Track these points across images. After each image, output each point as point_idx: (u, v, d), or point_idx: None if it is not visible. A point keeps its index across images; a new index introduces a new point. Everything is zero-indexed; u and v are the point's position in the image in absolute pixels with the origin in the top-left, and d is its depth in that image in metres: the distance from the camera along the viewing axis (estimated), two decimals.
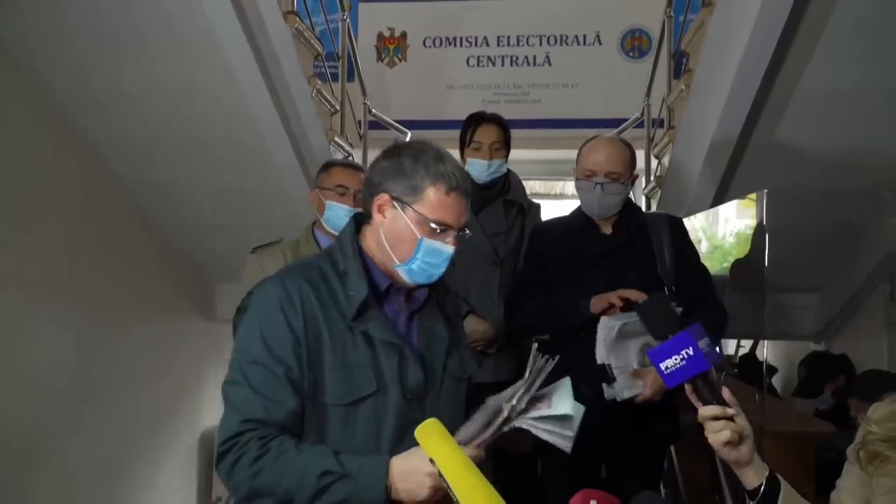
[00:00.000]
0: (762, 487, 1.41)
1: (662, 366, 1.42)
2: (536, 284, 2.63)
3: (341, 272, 1.60)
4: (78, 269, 3.87)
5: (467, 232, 1.64)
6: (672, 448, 3.29)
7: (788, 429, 3.18)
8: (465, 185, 1.59)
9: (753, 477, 1.42)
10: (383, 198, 1.60)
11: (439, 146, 1.63)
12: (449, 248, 1.59)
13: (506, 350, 3.05)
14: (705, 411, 1.40)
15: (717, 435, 1.38)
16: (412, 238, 1.57)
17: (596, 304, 2.41)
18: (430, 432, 1.17)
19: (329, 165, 2.96)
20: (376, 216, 1.62)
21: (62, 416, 3.80)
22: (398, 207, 1.58)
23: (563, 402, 1.46)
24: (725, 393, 1.42)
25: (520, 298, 2.68)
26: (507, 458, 2.78)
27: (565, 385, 1.53)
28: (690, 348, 1.39)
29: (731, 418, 1.39)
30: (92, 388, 4.02)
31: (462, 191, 1.58)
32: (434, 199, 1.56)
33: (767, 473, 1.42)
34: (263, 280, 1.68)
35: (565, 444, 1.45)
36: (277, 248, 2.88)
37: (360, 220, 1.71)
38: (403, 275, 1.62)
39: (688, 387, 1.43)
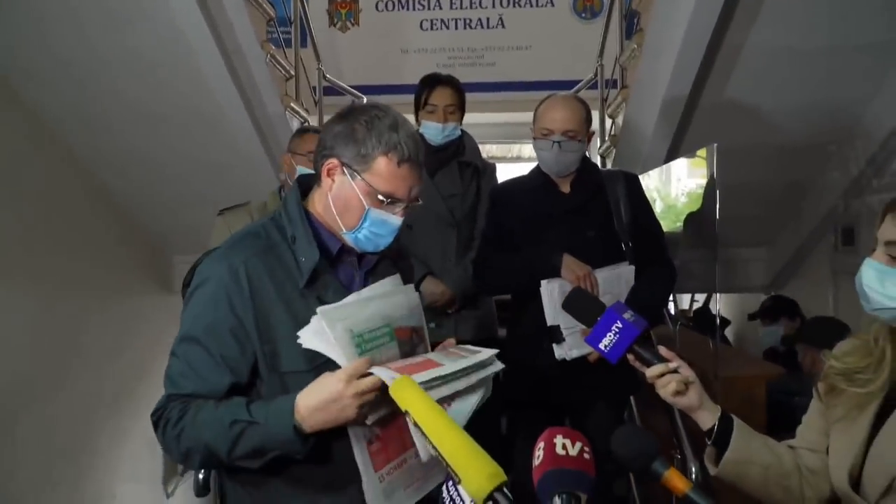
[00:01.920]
0: (716, 426, 1.50)
1: (601, 345, 1.53)
2: (499, 244, 2.66)
3: (289, 238, 1.56)
4: (33, 243, 3.80)
5: (419, 201, 1.60)
6: (632, 399, 3.38)
7: (741, 373, 3.29)
8: (418, 156, 1.54)
9: (708, 418, 1.52)
10: (333, 162, 1.55)
11: (396, 112, 1.57)
12: (397, 220, 1.55)
13: (464, 310, 3.08)
14: (651, 371, 1.50)
15: (666, 388, 1.49)
16: (359, 207, 1.53)
17: (567, 273, 2.44)
18: (403, 387, 1.18)
19: (303, 131, 2.95)
20: (325, 180, 1.58)
21: (21, 393, 3.75)
22: (347, 174, 1.53)
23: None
24: (662, 350, 1.53)
25: (484, 258, 2.71)
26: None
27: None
28: (618, 322, 1.52)
29: (674, 371, 1.49)
30: (51, 364, 3.97)
31: (414, 162, 1.53)
32: (384, 170, 1.51)
33: (720, 414, 1.51)
34: (206, 254, 1.66)
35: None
36: (244, 211, 2.86)
37: (307, 183, 1.68)
38: (350, 242, 1.59)
39: (630, 356, 1.53)
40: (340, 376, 1.37)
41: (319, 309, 1.42)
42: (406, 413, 1.14)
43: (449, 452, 1.05)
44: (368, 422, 1.44)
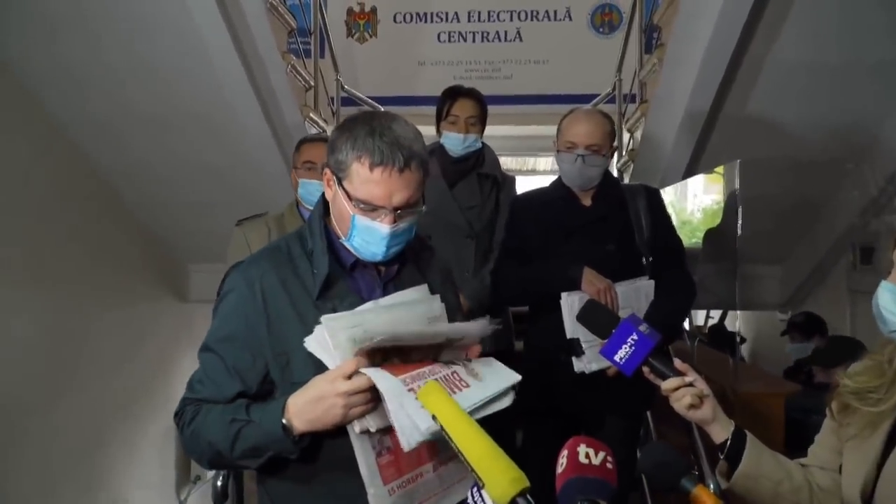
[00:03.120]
0: (728, 441, 1.52)
1: (616, 357, 1.54)
2: (518, 255, 2.67)
3: (309, 251, 1.60)
4: (47, 251, 3.83)
5: (422, 208, 1.58)
6: (648, 413, 3.38)
7: (758, 390, 3.29)
8: (398, 160, 1.47)
9: (721, 432, 1.53)
10: (327, 173, 1.57)
11: (390, 119, 1.53)
12: (383, 228, 1.52)
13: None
14: (666, 385, 1.52)
15: (680, 401, 1.50)
16: (347, 215, 1.53)
17: (587, 286, 2.46)
18: (430, 392, 1.20)
19: (299, 144, 2.96)
20: (326, 191, 1.60)
21: (35, 398, 3.78)
22: (335, 183, 1.55)
23: (495, 378, 1.49)
24: (678, 363, 1.54)
25: (503, 269, 2.73)
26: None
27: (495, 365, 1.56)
28: (634, 334, 1.54)
29: (689, 385, 1.51)
30: (65, 370, 4.00)
31: (391, 166, 1.47)
32: (358, 176, 1.49)
33: (733, 428, 1.53)
34: (232, 267, 1.69)
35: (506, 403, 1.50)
36: (262, 221, 2.88)
37: None
38: (352, 251, 1.60)
39: (645, 369, 1.55)
40: (327, 376, 1.41)
41: (323, 317, 1.45)
42: (433, 417, 1.16)
43: (474, 457, 1.07)
44: (372, 428, 1.43)
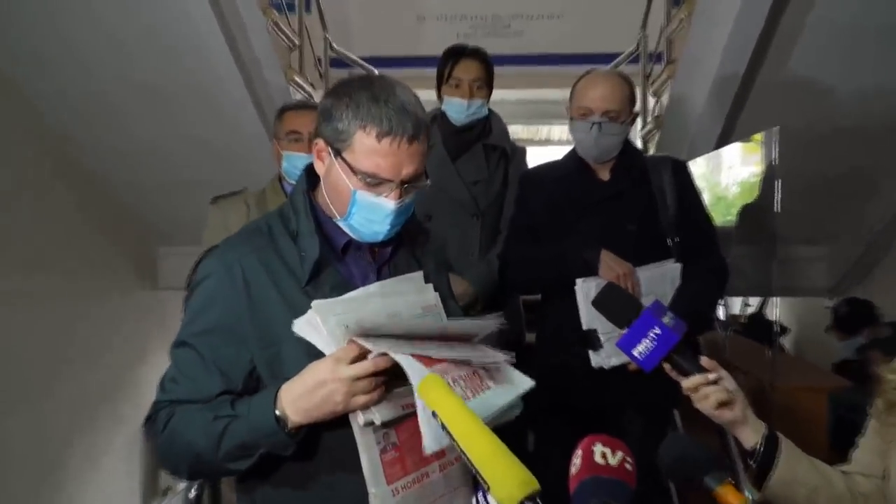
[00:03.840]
0: (760, 446, 1.52)
1: (635, 352, 1.54)
2: (529, 235, 2.70)
3: (293, 232, 1.60)
4: None
5: (426, 182, 1.61)
6: (676, 412, 3.42)
7: (800, 384, 3.31)
8: (407, 130, 1.50)
9: (751, 435, 1.54)
10: (320, 144, 1.58)
11: (391, 83, 1.55)
12: (388, 204, 1.54)
13: (489, 312, 3.10)
14: (689, 383, 1.52)
15: (705, 401, 1.51)
16: (346, 190, 1.54)
17: (605, 271, 2.48)
18: (431, 386, 1.23)
19: (281, 111, 2.95)
20: (317, 164, 1.62)
21: None
22: (331, 154, 1.55)
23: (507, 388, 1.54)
24: (704, 360, 1.54)
25: (511, 252, 2.75)
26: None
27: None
28: (656, 327, 1.52)
29: (715, 382, 1.51)
30: (21, 370, 4.01)
31: (400, 136, 1.50)
32: (363, 146, 1.50)
33: (766, 432, 1.53)
34: (206, 254, 1.72)
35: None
36: (240, 199, 2.90)
37: (315, 173, 1.70)
38: (348, 231, 1.62)
39: (666, 366, 1.55)
40: (327, 359, 1.42)
41: (314, 303, 1.46)
42: (434, 414, 1.19)
43: (478, 458, 1.09)
44: (377, 421, 1.45)
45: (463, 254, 3.10)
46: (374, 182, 1.52)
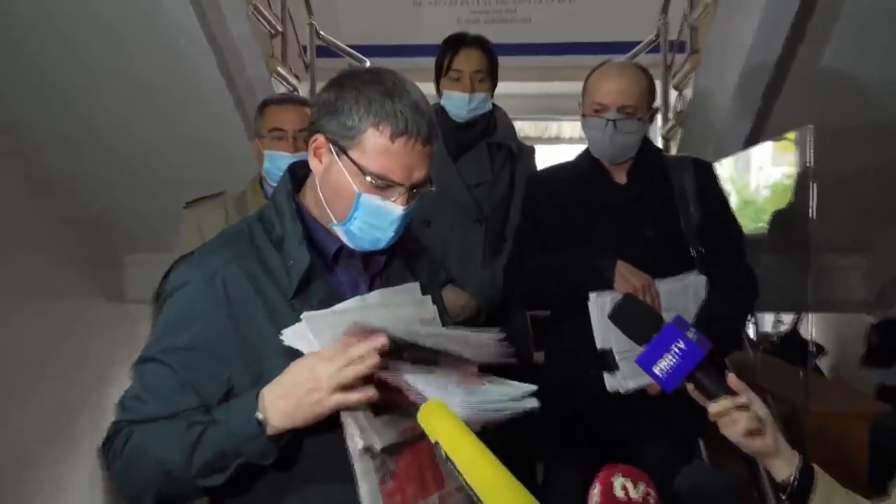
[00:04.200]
0: (794, 479, 1.51)
1: (656, 369, 1.53)
2: (537, 243, 2.70)
3: (276, 238, 1.60)
4: None
5: (432, 188, 1.61)
6: (700, 440, 3.42)
7: (838, 409, 3.31)
8: (422, 131, 1.52)
9: (783, 467, 1.52)
10: (319, 140, 1.57)
11: (400, 78, 1.56)
12: (396, 209, 1.55)
13: (493, 326, 3.10)
14: (715, 407, 1.51)
15: (734, 427, 1.50)
16: (349, 192, 1.54)
17: (621, 284, 2.48)
18: (432, 412, 1.23)
19: (263, 105, 2.95)
20: (313, 162, 1.61)
21: None
22: (334, 153, 1.55)
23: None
24: (731, 380, 1.53)
25: (518, 262, 2.75)
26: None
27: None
28: (680, 340, 1.51)
29: (744, 406, 1.50)
30: None
31: (415, 137, 1.51)
32: (374, 146, 1.51)
33: (800, 464, 1.52)
34: (180, 261, 1.70)
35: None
36: (218, 203, 2.90)
37: (301, 171, 1.71)
38: (344, 237, 1.61)
39: (690, 386, 1.54)
40: (310, 356, 1.43)
41: (305, 315, 1.46)
42: (436, 444, 1.19)
43: (484, 491, 1.10)
44: (377, 446, 1.44)
45: (464, 263, 3.11)
46: (382, 185, 1.53)
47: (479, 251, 3.13)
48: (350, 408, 1.44)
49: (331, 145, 1.55)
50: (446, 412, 1.24)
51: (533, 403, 1.55)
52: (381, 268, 1.71)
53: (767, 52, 3.69)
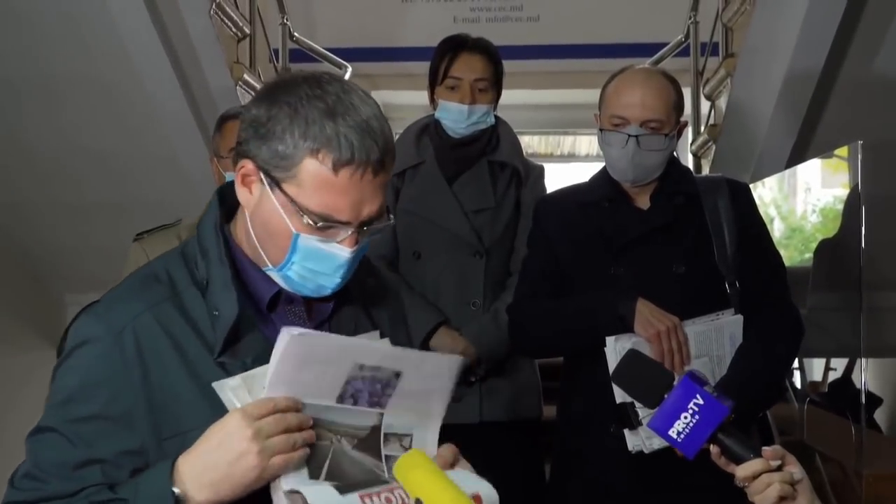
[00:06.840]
0: None
1: (672, 433, 1.52)
2: (548, 280, 2.71)
3: (200, 282, 1.51)
4: None
5: (390, 219, 1.56)
6: None
7: (892, 471, 3.31)
8: (373, 158, 1.42)
9: None
10: (247, 166, 1.48)
11: (349, 88, 1.47)
12: (342, 253, 1.47)
13: (494, 378, 3.12)
14: (743, 470, 1.49)
15: (765, 494, 1.48)
16: (284, 233, 1.46)
17: (643, 326, 2.47)
18: (412, 465, 1.24)
19: (221, 122, 2.97)
20: (241, 192, 1.51)
21: None
22: (266, 184, 1.46)
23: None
24: (768, 453, 1.50)
25: (525, 302, 2.75)
26: None
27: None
28: (698, 396, 1.50)
29: (778, 468, 1.49)
30: None
31: (363, 167, 1.41)
32: (313, 179, 1.41)
33: None
34: (84, 309, 1.61)
35: None
36: (172, 233, 2.92)
37: (232, 195, 1.58)
38: (281, 282, 1.53)
39: (713, 449, 1.53)
40: (234, 413, 1.34)
41: (241, 376, 1.39)
42: (417, 501, 1.20)
43: None
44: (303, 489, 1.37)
45: (461, 303, 3.11)
46: (325, 226, 1.44)
47: (479, 289, 3.13)
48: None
49: (261, 174, 1.46)
50: (428, 465, 1.24)
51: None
52: (328, 314, 1.64)
53: (812, 59, 3.72)
